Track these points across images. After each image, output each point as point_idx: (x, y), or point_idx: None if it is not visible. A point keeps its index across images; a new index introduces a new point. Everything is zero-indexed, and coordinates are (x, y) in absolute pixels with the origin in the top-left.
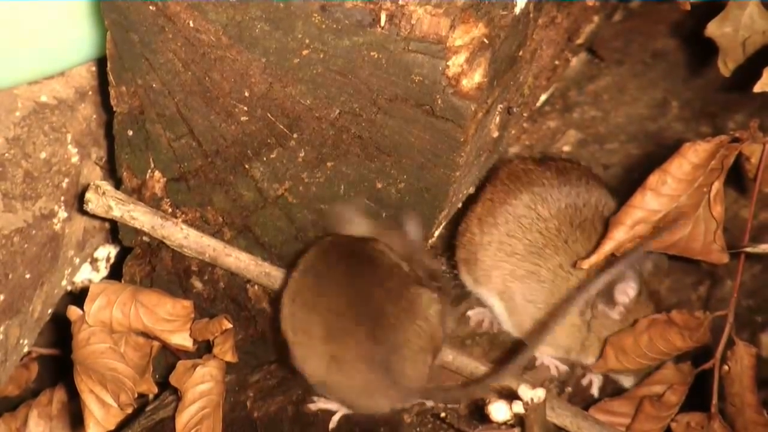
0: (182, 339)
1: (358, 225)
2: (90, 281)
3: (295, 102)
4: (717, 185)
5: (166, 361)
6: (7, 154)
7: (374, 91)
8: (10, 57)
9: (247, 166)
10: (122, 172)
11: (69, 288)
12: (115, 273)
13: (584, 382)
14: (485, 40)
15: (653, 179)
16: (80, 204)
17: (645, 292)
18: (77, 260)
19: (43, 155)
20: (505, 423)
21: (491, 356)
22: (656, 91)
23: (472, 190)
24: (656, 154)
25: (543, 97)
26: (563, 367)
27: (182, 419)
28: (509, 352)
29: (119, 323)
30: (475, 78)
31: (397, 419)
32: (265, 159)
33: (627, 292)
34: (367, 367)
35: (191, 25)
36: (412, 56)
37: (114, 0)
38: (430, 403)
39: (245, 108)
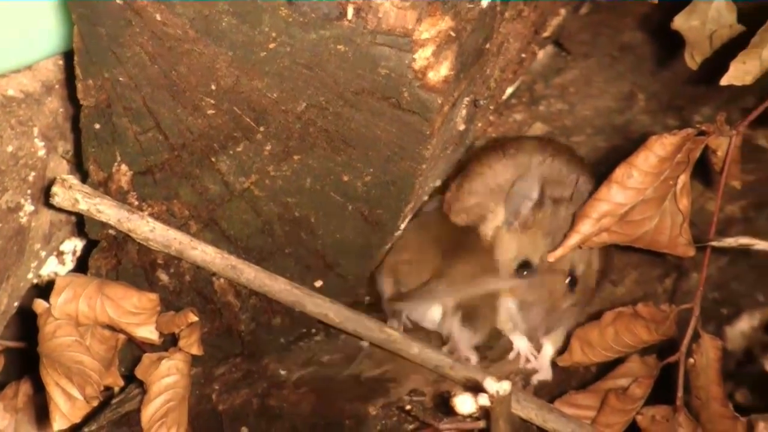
0: (148, 332)
1: None
2: (56, 274)
3: (262, 95)
4: (683, 178)
5: (131, 354)
6: None
7: (341, 84)
8: None
9: (213, 160)
10: (89, 165)
11: (35, 281)
12: (81, 266)
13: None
14: (452, 33)
15: (619, 172)
16: (46, 197)
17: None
18: (43, 253)
19: (9, 149)
20: (470, 415)
21: None
22: (623, 84)
23: (438, 183)
24: (623, 147)
25: (509, 90)
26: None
27: (148, 412)
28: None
29: (85, 316)
30: (441, 71)
31: (362, 412)
32: (231, 152)
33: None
34: None
35: (158, 18)
36: (378, 49)
37: None
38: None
39: (212, 101)
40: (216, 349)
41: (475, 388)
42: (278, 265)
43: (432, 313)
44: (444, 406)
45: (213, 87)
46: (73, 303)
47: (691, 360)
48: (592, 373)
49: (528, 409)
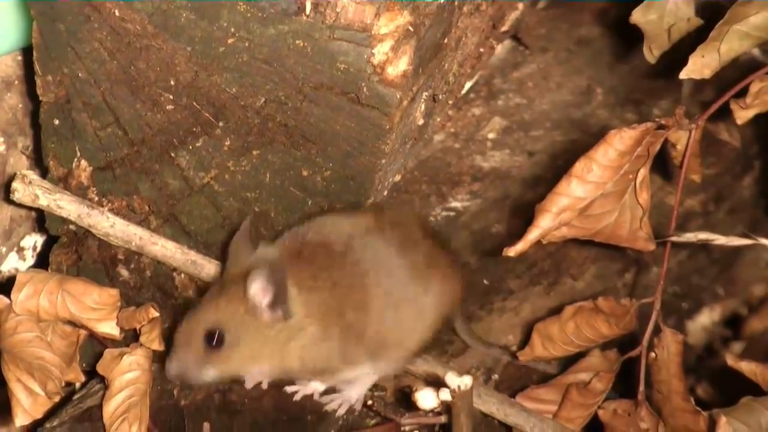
0: (109, 327)
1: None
2: (17, 270)
3: (221, 90)
4: (643, 172)
5: (93, 349)
6: None
7: (300, 79)
8: None
9: (173, 155)
10: (48, 161)
11: None
12: (42, 262)
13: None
14: (410, 27)
15: (579, 166)
16: (6, 193)
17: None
18: (3, 249)
19: None
20: (432, 410)
21: None
22: (581, 78)
23: (398, 178)
24: (581, 141)
25: (468, 85)
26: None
27: (109, 407)
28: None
29: (46, 312)
30: (400, 66)
31: (324, 407)
32: (191, 147)
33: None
34: None
35: (117, 14)
36: (337, 44)
37: None
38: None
39: (171, 97)
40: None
41: (437, 383)
42: None
43: None
44: (405, 401)
45: (172, 82)
46: (33, 299)
47: (653, 354)
48: (553, 367)
49: (489, 404)
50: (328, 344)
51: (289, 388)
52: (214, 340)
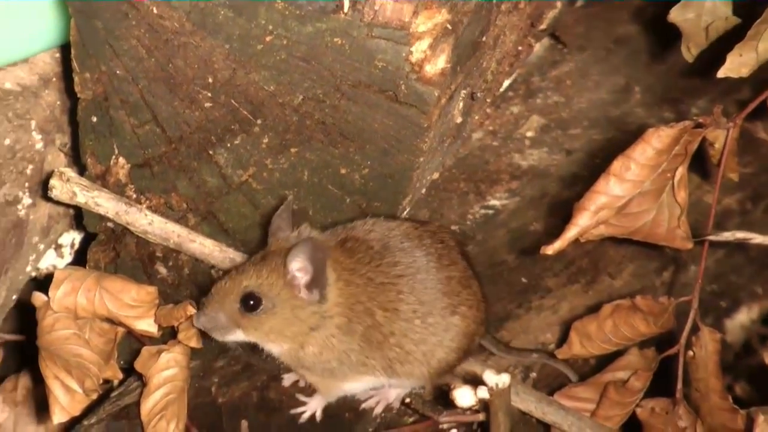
0: (147, 325)
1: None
2: (54, 267)
3: (259, 88)
4: (681, 171)
5: (130, 347)
6: None
7: (337, 77)
8: None
9: (211, 153)
10: (86, 158)
11: (33, 274)
12: (80, 259)
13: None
14: (448, 25)
15: (617, 165)
16: (44, 190)
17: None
18: (42, 246)
19: (7, 142)
20: (469, 408)
21: None
22: (619, 76)
23: (436, 176)
24: (619, 140)
25: (506, 83)
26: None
27: (147, 405)
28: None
29: (84, 309)
30: (438, 64)
31: (362, 405)
32: (228, 145)
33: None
34: None
35: (155, 11)
36: (375, 42)
37: None
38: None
39: (209, 94)
40: (215, 342)
41: (475, 381)
42: None
43: None
44: (443, 399)
45: (210, 80)
46: (71, 296)
47: (690, 352)
48: (590, 365)
49: (527, 402)
50: (348, 340)
51: (286, 377)
52: (249, 304)
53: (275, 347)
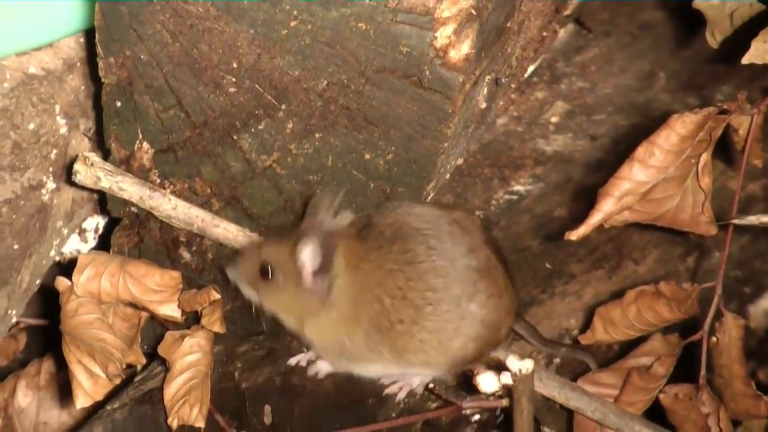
0: (170, 310)
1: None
2: (78, 252)
3: (283, 73)
4: (705, 157)
5: (154, 331)
6: None
7: (362, 62)
8: None
9: (235, 138)
10: (110, 143)
11: (57, 259)
12: (104, 244)
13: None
14: (473, 11)
15: (641, 151)
16: (68, 175)
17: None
18: (65, 231)
19: (31, 126)
20: (493, 394)
21: None
22: (643, 62)
23: (460, 161)
24: (644, 126)
25: (531, 69)
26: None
27: (170, 390)
28: None
29: (107, 294)
30: (462, 49)
31: (385, 390)
32: (253, 130)
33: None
34: None
35: None
36: (399, 27)
37: None
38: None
39: (233, 79)
40: (238, 327)
41: (498, 367)
42: None
43: None
44: (466, 384)
45: (234, 65)
46: (95, 281)
47: (714, 339)
48: (614, 351)
49: (551, 388)
50: (351, 327)
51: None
52: (265, 273)
53: (283, 319)
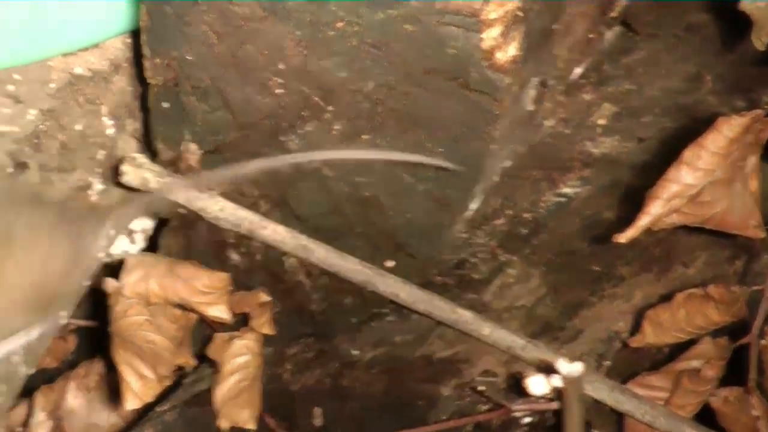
0: (219, 311)
1: None
2: (127, 253)
3: (330, 75)
4: (753, 159)
5: (203, 333)
6: (42, 126)
7: (409, 64)
8: (45, 28)
9: (282, 139)
10: (157, 144)
11: (105, 260)
12: (152, 245)
13: None
14: (519, 13)
15: (688, 153)
16: (116, 176)
17: None
18: (113, 232)
19: (78, 127)
20: (543, 397)
21: (528, 330)
22: (690, 65)
23: (508, 163)
24: (691, 128)
25: (578, 71)
26: None
27: (220, 391)
28: (545, 325)
29: (156, 295)
30: (509, 51)
31: (435, 392)
32: (300, 131)
33: None
34: None
35: None
36: (446, 29)
37: None
38: None
39: (280, 80)
40: (287, 328)
41: (548, 369)
42: (349, 245)
43: None
44: (516, 387)
45: (281, 66)
46: (143, 282)
47: (763, 341)
48: (664, 354)
49: (600, 390)
50: None
51: None
52: None
53: None
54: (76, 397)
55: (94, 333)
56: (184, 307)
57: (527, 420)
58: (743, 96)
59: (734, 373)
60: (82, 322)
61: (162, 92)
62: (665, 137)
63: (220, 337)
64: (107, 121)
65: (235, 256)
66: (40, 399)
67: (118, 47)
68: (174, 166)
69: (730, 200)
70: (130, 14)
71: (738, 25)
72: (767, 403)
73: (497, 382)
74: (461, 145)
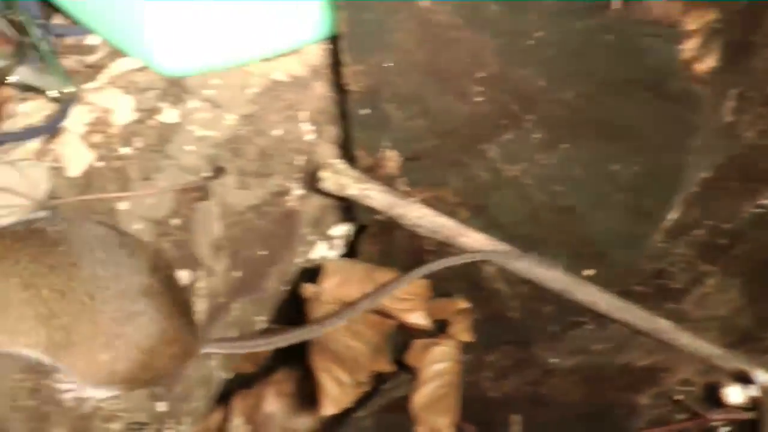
0: (418, 318)
1: None
2: (324, 259)
3: (529, 84)
4: None
5: (401, 339)
6: (241, 131)
7: (607, 73)
8: (245, 35)
9: (481, 147)
10: (356, 150)
11: (304, 265)
12: (351, 251)
13: None
14: (718, 24)
15: None
16: (315, 182)
17: None
18: (312, 237)
19: (276, 132)
20: (740, 406)
21: (725, 340)
22: None
23: (707, 174)
24: None
25: None
26: None
27: (418, 398)
28: (743, 336)
29: (354, 301)
30: (708, 62)
31: (633, 401)
32: (499, 140)
33: None
34: None
35: (425, 5)
36: (645, 40)
37: None
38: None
39: (479, 89)
40: (486, 336)
41: (745, 380)
42: (547, 253)
43: None
44: (713, 396)
45: (480, 74)
46: (342, 288)
47: None
48: None
49: None
50: None
51: None
52: None
53: None
54: (274, 402)
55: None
56: (381, 313)
57: (724, 429)
58: None
59: None
60: (278, 327)
61: (361, 99)
62: None
63: (418, 343)
64: (306, 127)
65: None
66: (238, 404)
67: (317, 53)
68: (372, 172)
69: None
70: (328, 21)
71: None
72: None
73: (695, 392)
74: (660, 155)
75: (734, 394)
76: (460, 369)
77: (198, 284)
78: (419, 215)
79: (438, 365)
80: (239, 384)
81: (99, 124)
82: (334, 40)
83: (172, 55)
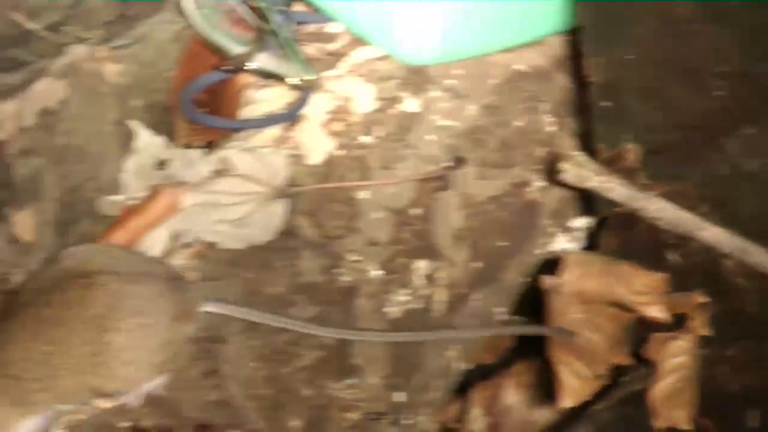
0: (657, 311)
1: None
2: (564, 251)
3: None
4: None
5: (639, 333)
6: (482, 122)
7: None
8: (490, 25)
9: (721, 141)
10: (597, 142)
11: (543, 257)
12: (590, 243)
13: None
14: None
15: None
16: (555, 173)
17: None
18: (552, 229)
19: (518, 123)
20: None
21: None
22: None
23: None
24: None
25: None
26: None
27: (656, 392)
28: None
29: (594, 294)
30: None
31: None
32: (738, 134)
33: None
34: None
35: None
36: None
37: None
38: None
39: (718, 83)
40: (724, 330)
41: None
42: None
43: None
44: None
45: (719, 68)
46: (582, 280)
47: None
48: None
49: None
50: None
51: None
52: None
53: None
54: (514, 394)
55: None
56: (620, 306)
57: None
58: None
59: None
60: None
61: (602, 91)
62: None
63: (656, 337)
64: (547, 118)
65: (672, 257)
66: (477, 395)
67: (559, 45)
68: (612, 165)
69: None
70: (569, 13)
71: None
72: None
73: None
74: None
75: None
76: (698, 363)
77: (438, 274)
78: (660, 208)
79: (676, 359)
80: (478, 375)
81: (340, 112)
82: (574, 32)
83: (419, 45)
